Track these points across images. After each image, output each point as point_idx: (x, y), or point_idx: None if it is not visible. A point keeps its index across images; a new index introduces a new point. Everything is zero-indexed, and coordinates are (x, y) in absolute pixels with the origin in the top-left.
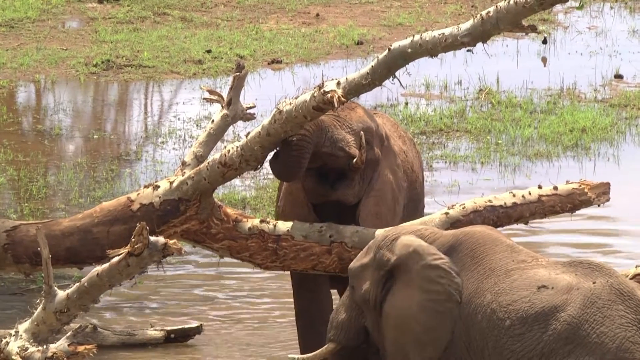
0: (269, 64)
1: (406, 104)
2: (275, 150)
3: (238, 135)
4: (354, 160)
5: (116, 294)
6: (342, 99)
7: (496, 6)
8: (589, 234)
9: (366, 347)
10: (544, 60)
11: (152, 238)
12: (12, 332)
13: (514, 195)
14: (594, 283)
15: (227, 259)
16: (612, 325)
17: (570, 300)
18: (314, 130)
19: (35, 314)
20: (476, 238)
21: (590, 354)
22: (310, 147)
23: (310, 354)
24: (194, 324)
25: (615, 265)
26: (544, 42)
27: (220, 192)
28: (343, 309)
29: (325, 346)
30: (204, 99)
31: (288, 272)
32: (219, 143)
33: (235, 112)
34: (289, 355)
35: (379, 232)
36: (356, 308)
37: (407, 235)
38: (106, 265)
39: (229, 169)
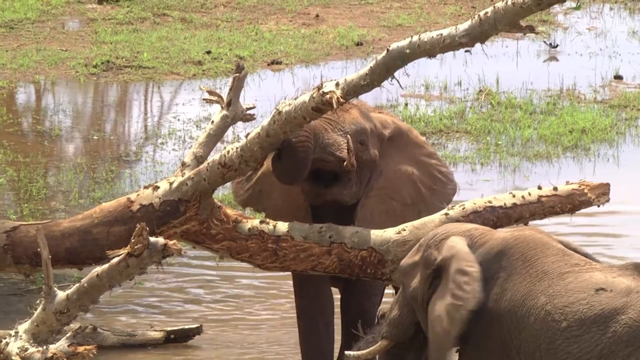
0: (268, 64)
1: (406, 104)
2: (276, 153)
3: (238, 136)
4: (344, 163)
5: (116, 294)
6: (341, 99)
7: (494, 7)
8: (589, 235)
9: (420, 343)
10: (552, 57)
11: (152, 239)
12: (12, 332)
13: (513, 196)
14: None
15: (227, 260)
16: None
17: (631, 303)
18: (312, 134)
19: (35, 315)
20: (527, 242)
21: None
22: (312, 149)
23: (364, 350)
24: (194, 324)
25: None
26: (552, 45)
27: (220, 193)
28: (396, 306)
29: (379, 343)
30: (204, 99)
31: (288, 273)
32: (219, 144)
33: (235, 113)
34: (346, 352)
35: (377, 232)
36: (408, 305)
37: (456, 237)
38: (106, 266)
39: (228, 170)
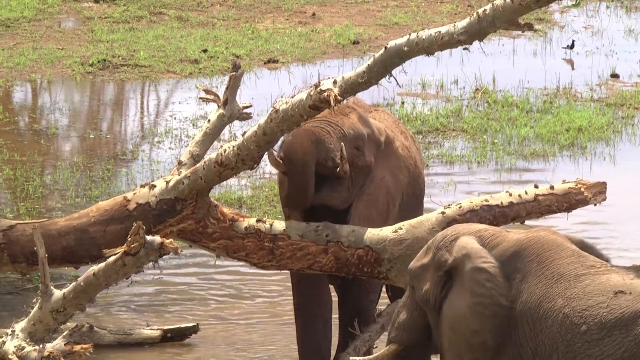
0: (265, 63)
1: (402, 103)
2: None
3: (234, 134)
4: (337, 169)
5: (112, 293)
6: (339, 97)
7: (493, 4)
8: (585, 233)
9: (429, 346)
10: (570, 61)
11: (149, 237)
12: (9, 331)
13: (510, 195)
14: None
15: (223, 258)
16: None
17: None
18: (314, 148)
19: (31, 313)
20: (541, 243)
21: None
22: (312, 171)
23: (372, 356)
24: (191, 323)
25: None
26: (570, 47)
27: (216, 192)
28: (404, 309)
29: (387, 347)
30: (200, 98)
31: (285, 271)
32: (215, 142)
33: (232, 112)
34: (351, 358)
35: (372, 231)
36: (417, 308)
37: (466, 237)
38: (102, 264)
39: (225, 169)
